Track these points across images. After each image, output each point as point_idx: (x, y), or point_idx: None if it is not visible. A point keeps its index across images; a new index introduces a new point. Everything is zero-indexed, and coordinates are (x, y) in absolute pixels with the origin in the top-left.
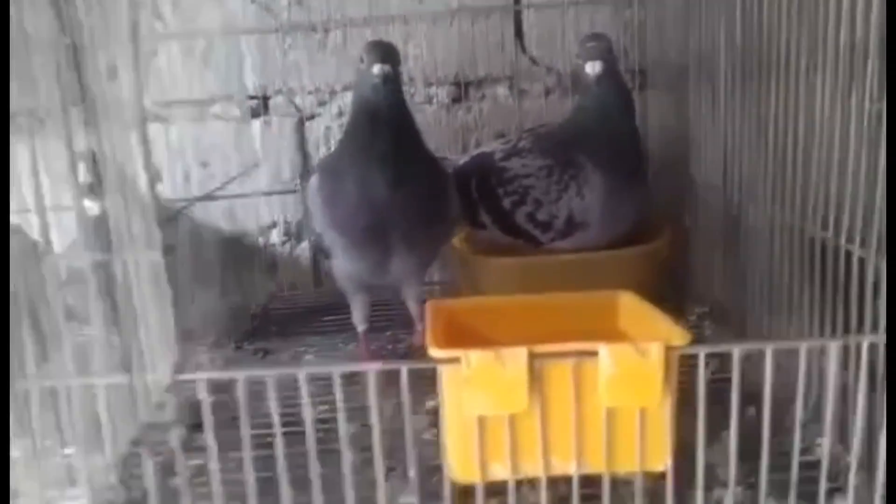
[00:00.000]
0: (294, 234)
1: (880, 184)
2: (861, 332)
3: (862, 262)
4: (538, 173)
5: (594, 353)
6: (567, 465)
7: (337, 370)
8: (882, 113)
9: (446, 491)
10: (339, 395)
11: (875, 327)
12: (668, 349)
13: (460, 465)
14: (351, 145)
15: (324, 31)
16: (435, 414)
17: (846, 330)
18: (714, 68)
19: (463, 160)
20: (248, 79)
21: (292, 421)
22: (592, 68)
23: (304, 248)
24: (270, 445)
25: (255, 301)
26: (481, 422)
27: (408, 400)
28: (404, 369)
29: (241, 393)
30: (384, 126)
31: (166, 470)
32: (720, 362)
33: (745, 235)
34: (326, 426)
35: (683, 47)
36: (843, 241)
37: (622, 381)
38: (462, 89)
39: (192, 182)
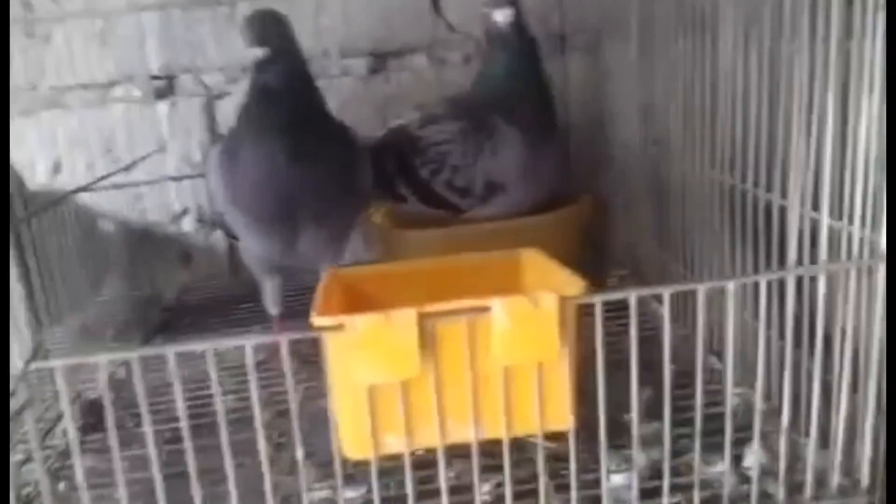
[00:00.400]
0: (208, 221)
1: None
2: (767, 272)
3: (771, 207)
4: (453, 138)
5: (488, 310)
6: (465, 432)
7: (209, 346)
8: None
9: (337, 469)
10: (213, 373)
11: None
12: (563, 299)
13: (352, 440)
14: (248, 117)
15: (231, 3)
16: None
17: None
18: (627, 28)
19: (380, 134)
20: (151, 59)
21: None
22: (503, 16)
23: (218, 235)
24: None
25: (167, 293)
26: (372, 392)
27: (290, 374)
28: (284, 341)
29: (101, 379)
30: (280, 98)
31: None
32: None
33: (662, 194)
34: (237, 415)
35: (601, 9)
36: (755, 188)
37: (518, 336)
38: (380, 61)
39: (96, 170)
